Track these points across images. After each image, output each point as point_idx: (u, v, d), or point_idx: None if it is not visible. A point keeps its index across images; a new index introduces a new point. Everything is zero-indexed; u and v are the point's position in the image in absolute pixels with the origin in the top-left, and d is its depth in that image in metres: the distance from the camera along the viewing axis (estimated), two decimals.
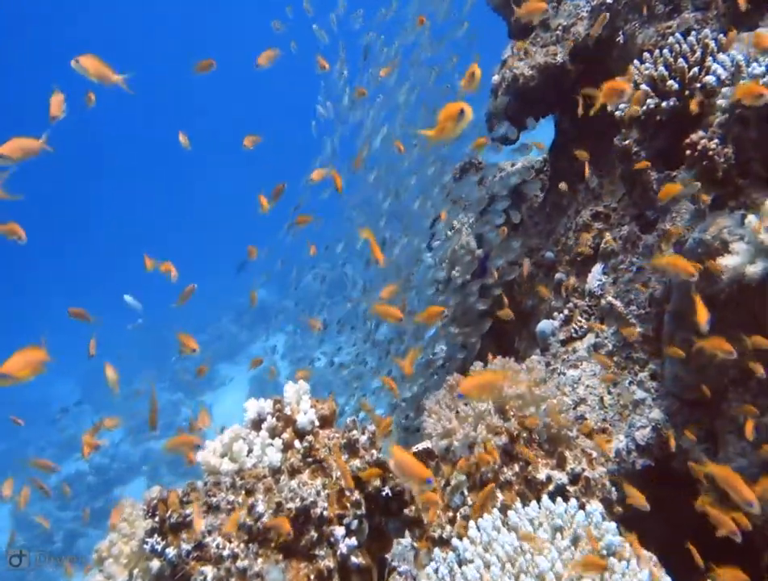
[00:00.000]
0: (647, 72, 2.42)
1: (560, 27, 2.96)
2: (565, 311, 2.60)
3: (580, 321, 2.47)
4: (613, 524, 1.53)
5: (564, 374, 2.36)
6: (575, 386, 2.32)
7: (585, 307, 2.50)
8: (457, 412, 1.95)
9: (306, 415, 1.79)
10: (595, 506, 1.59)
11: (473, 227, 3.21)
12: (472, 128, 3.41)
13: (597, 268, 2.49)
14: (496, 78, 3.07)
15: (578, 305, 2.60)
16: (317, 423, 1.81)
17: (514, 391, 1.97)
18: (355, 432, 1.79)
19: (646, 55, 2.47)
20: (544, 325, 2.59)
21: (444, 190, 3.64)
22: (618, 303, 2.35)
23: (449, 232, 3.35)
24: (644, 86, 2.41)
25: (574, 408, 2.27)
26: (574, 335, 2.47)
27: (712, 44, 2.33)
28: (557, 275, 2.76)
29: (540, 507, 1.62)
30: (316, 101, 3.82)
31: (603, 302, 2.41)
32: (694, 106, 2.24)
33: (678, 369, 2.12)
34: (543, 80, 2.88)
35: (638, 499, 1.79)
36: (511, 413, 1.95)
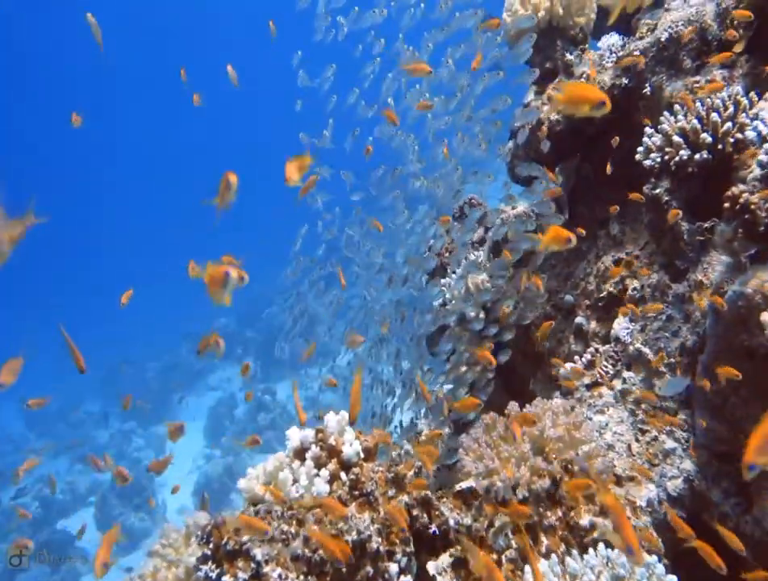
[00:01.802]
0: (679, 123, 2.47)
1: (584, 75, 3.01)
2: (587, 356, 2.59)
3: (606, 366, 2.46)
4: (674, 578, 1.50)
5: (590, 419, 2.34)
6: (602, 431, 2.30)
7: (611, 353, 2.49)
8: (499, 452, 1.90)
9: (351, 447, 1.72)
10: (655, 557, 1.55)
11: (486, 268, 3.20)
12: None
13: (625, 315, 2.49)
14: (518, 122, 3.10)
15: (599, 350, 2.60)
16: (362, 455, 1.74)
17: (555, 433, 1.93)
18: (402, 466, 1.72)
19: (677, 107, 2.52)
20: (568, 369, 2.57)
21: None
22: (647, 351, 2.35)
23: (458, 271, 3.33)
24: (676, 138, 2.45)
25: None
26: (600, 380, 2.46)
27: (745, 101, 2.39)
28: (578, 319, 2.75)
29: (597, 556, 1.58)
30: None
31: (630, 348, 2.41)
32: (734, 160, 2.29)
33: (710, 421, 2.12)
34: (568, 125, 2.92)
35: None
36: (553, 456, 1.91)
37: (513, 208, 3.68)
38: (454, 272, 3.48)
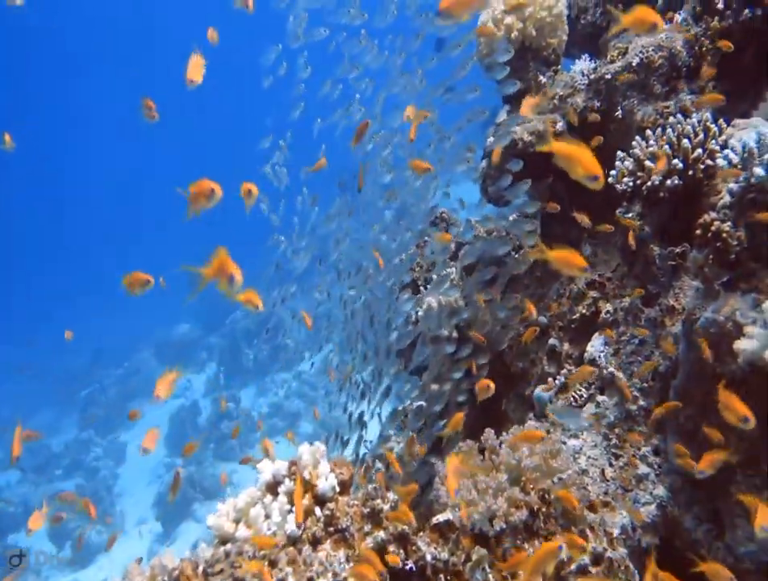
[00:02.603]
0: (651, 148, 2.50)
1: (557, 97, 3.03)
2: (561, 378, 2.60)
3: (580, 390, 2.47)
4: None
5: (564, 443, 2.34)
6: (576, 456, 2.30)
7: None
8: (476, 482, 1.88)
9: (327, 481, 1.69)
10: None
11: (460, 286, 3.19)
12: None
13: (598, 337, 2.51)
14: (491, 140, 3.10)
15: (572, 372, 2.61)
16: (337, 489, 1.71)
17: (532, 463, 1.92)
18: (378, 500, 1.69)
19: (649, 133, 2.55)
20: (541, 391, 2.57)
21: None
22: (620, 375, 2.36)
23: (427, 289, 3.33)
24: (648, 163, 2.48)
25: None
26: (574, 403, 2.46)
27: (714, 128, 2.43)
28: (551, 341, 2.76)
29: None
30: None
31: (604, 372, 2.42)
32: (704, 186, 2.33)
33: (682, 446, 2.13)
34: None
35: None
36: (530, 486, 1.90)
37: (483, 225, 3.69)
38: (425, 288, 3.47)
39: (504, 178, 2.82)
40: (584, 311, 2.71)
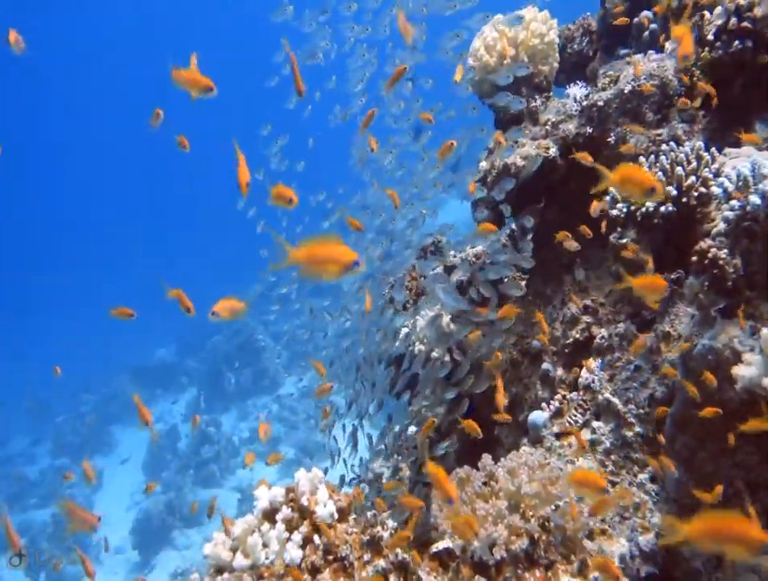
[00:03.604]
0: None
1: (549, 123, 3.05)
2: (555, 403, 2.58)
3: (575, 415, 2.45)
4: None
5: (560, 469, 2.31)
6: None
7: (580, 401, 2.48)
8: (475, 510, 1.85)
9: (326, 508, 1.65)
10: None
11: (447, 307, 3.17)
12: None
13: (593, 363, 2.50)
14: (484, 165, 3.11)
15: (567, 397, 2.59)
16: (336, 515, 1.67)
17: (531, 490, 1.90)
18: (378, 528, 1.65)
19: (642, 160, 2.57)
20: (536, 416, 2.55)
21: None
22: (616, 401, 2.35)
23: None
24: None
25: None
26: (569, 429, 2.45)
27: (707, 156, 2.45)
28: (544, 365, 2.75)
29: None
30: None
31: (599, 397, 2.41)
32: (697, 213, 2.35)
33: (679, 474, 2.12)
34: (534, 171, 2.95)
35: None
36: (530, 513, 1.87)
37: (472, 247, 3.69)
38: (417, 310, 3.44)
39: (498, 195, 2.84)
40: (577, 335, 2.71)
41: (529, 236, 3.12)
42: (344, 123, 3.46)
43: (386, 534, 1.65)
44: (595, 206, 2.66)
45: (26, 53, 2.67)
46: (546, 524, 1.86)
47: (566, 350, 2.73)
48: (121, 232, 30.29)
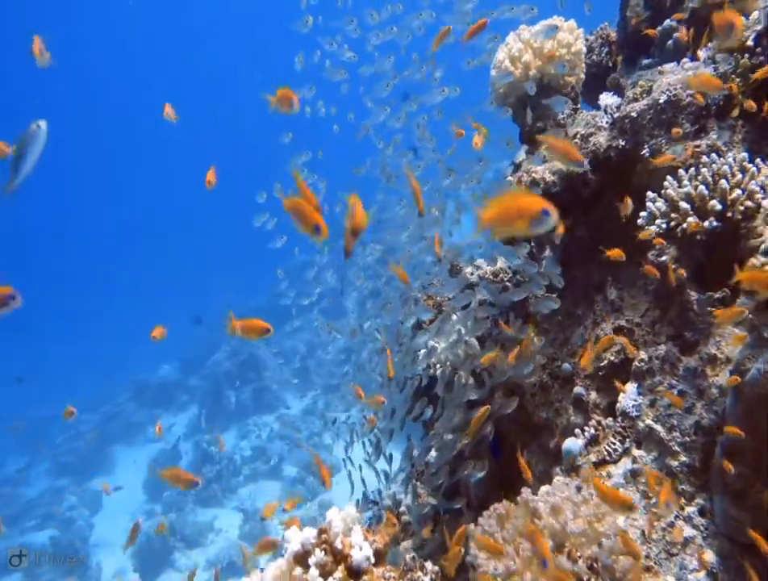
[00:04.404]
0: (685, 189, 2.39)
1: (578, 136, 2.93)
2: (591, 430, 2.44)
3: (614, 443, 2.31)
4: None
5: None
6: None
7: (618, 429, 2.34)
8: (518, 549, 1.70)
9: (361, 551, 1.50)
10: None
11: (471, 328, 3.04)
12: None
13: (631, 387, 2.36)
14: (511, 180, 2.99)
15: (602, 423, 2.45)
16: (372, 559, 1.52)
17: (578, 528, 1.75)
18: (418, 573, 1.50)
19: (682, 173, 2.44)
20: (571, 444, 2.40)
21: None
22: (659, 428, 2.21)
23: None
24: (683, 204, 2.36)
25: None
26: (608, 458, 2.30)
27: (753, 168, 2.33)
28: (576, 389, 2.60)
29: None
30: None
31: (640, 424, 2.27)
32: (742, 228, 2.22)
33: (730, 508, 1.97)
34: (564, 187, 2.82)
35: None
36: (577, 553, 1.72)
37: (489, 264, 3.56)
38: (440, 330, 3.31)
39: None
40: (612, 358, 2.57)
41: (556, 255, 3.00)
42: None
43: (426, 579, 1.51)
44: (627, 202, 2.53)
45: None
46: (594, 565, 1.72)
47: (600, 373, 2.58)
48: (120, 250, 30.22)
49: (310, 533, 1.57)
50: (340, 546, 1.52)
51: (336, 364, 12.72)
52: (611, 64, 3.87)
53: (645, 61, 3.49)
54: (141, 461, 12.00)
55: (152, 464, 11.51)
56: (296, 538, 1.56)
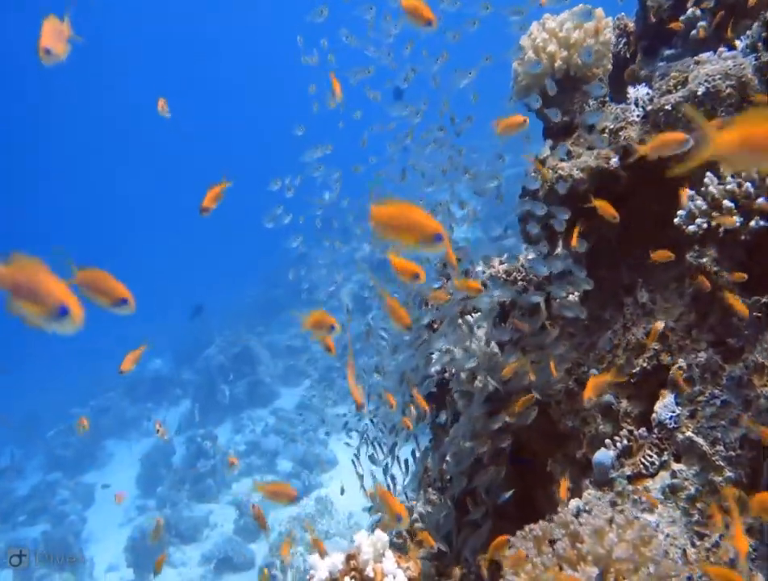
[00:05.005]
0: (729, 187, 2.25)
1: (607, 130, 2.79)
2: (624, 441, 2.30)
3: (650, 456, 2.17)
4: None
5: (637, 518, 2.03)
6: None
7: (655, 440, 2.20)
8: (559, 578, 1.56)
9: (395, 580, 1.35)
10: None
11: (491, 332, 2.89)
12: None
13: (668, 397, 2.22)
14: (535, 176, 2.84)
15: (635, 433, 2.31)
16: None
17: (624, 553, 1.61)
18: None
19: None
20: (603, 456, 2.27)
21: None
22: (701, 441, 2.07)
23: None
24: (726, 202, 2.23)
25: None
26: (644, 471, 2.16)
27: None
28: (606, 397, 2.46)
29: None
30: None
31: (679, 436, 2.13)
32: None
33: None
34: (593, 184, 2.68)
35: None
36: (622, 579, 1.59)
37: (500, 262, 3.41)
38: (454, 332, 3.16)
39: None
40: (645, 364, 2.43)
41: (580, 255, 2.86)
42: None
43: None
44: (684, 192, 2.38)
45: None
46: None
47: (632, 380, 2.44)
48: (111, 241, 29.94)
49: (338, 559, 1.43)
50: (371, 574, 1.38)
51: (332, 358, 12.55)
52: (628, 56, 3.73)
53: (668, 52, 3.34)
54: (134, 455, 11.83)
55: (144, 459, 11.35)
56: (323, 566, 1.42)
